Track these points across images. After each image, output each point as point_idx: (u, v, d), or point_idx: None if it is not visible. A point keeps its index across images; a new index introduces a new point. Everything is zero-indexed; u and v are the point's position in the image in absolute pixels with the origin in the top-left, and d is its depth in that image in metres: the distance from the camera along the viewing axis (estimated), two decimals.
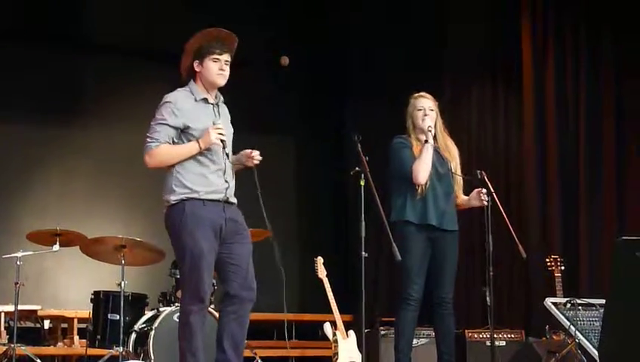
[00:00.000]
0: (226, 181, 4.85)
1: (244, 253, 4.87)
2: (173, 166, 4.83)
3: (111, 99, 9.08)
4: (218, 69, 4.86)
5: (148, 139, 4.82)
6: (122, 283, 6.56)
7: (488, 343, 6.34)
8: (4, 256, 6.86)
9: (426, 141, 5.67)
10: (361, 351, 5.60)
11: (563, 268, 6.73)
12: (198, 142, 4.76)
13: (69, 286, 8.56)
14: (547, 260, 6.81)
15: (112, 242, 6.65)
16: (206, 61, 4.85)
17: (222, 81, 4.90)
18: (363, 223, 5.16)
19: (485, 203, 5.68)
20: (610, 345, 3.77)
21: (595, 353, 5.55)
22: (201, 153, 4.79)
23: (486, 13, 8.44)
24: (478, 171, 5.81)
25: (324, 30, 9.62)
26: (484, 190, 5.71)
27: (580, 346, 5.68)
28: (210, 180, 4.80)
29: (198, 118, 4.84)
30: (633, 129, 7.40)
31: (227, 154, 4.90)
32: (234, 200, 4.92)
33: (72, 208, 8.71)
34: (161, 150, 4.79)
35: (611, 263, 3.84)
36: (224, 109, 5.03)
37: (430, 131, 5.67)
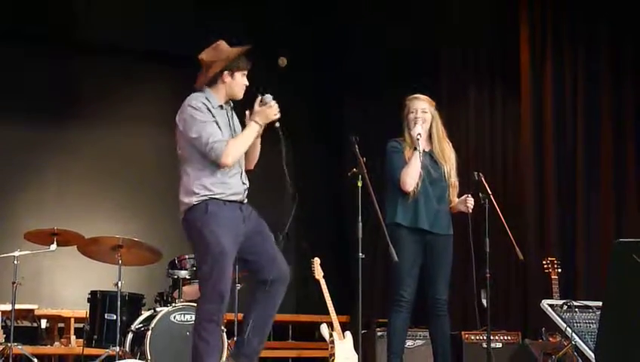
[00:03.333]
0: (244, 183, 4.92)
1: (269, 241, 4.95)
2: (191, 168, 4.85)
3: (108, 100, 9.09)
4: (243, 83, 4.98)
5: (210, 144, 4.76)
6: (119, 283, 6.56)
7: (485, 345, 6.35)
8: (1, 256, 6.85)
9: (415, 148, 5.66)
10: (357, 352, 5.60)
11: (560, 270, 6.73)
12: (256, 122, 4.86)
13: (66, 285, 8.57)
14: (544, 262, 6.81)
15: (109, 242, 6.65)
16: (236, 74, 4.95)
17: (242, 95, 5.01)
18: (360, 224, 5.16)
19: (470, 210, 5.71)
20: (606, 347, 3.77)
21: (591, 355, 5.55)
22: None
23: (485, 16, 8.45)
24: (476, 173, 5.82)
25: (323, 31, 9.63)
26: (471, 199, 5.73)
27: (577, 348, 5.68)
28: (230, 183, 4.85)
29: (218, 122, 4.90)
30: (631, 132, 7.42)
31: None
32: (246, 199, 4.99)
33: (69, 208, 8.72)
34: (231, 146, 4.81)
35: (608, 265, 3.84)
36: (235, 117, 5.09)
37: (418, 139, 5.66)
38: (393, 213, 5.68)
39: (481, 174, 5.79)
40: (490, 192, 5.75)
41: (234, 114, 5.06)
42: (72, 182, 8.97)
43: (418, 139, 5.66)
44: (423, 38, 8.83)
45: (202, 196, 4.80)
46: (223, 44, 5.00)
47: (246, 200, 4.97)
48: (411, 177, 5.63)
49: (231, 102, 5.05)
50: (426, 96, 5.84)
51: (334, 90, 9.75)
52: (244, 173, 4.96)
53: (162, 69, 9.36)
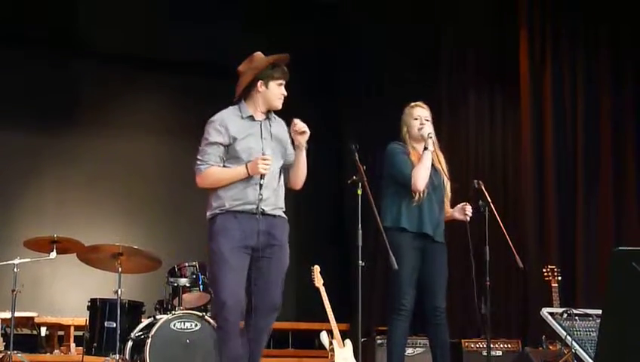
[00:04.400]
0: (261, 193, 4.84)
1: (272, 268, 4.88)
2: None
3: (108, 107, 9.10)
4: (280, 93, 4.96)
5: (198, 162, 4.89)
6: (119, 290, 6.56)
7: (485, 353, 6.34)
8: (0, 263, 6.85)
9: (426, 148, 5.66)
10: (357, 360, 5.60)
11: (560, 278, 6.72)
12: (246, 167, 4.82)
13: (66, 293, 8.56)
14: (544, 270, 6.81)
15: (109, 250, 6.65)
16: (271, 84, 4.93)
17: (280, 105, 4.99)
18: (360, 232, 5.15)
19: (468, 218, 5.70)
20: (606, 355, 3.77)
21: None
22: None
23: (484, 20, 8.46)
24: (476, 181, 5.80)
25: (322, 35, 9.63)
26: (469, 207, 5.73)
27: (577, 356, 5.67)
28: (244, 192, 4.84)
29: (243, 135, 4.89)
30: (631, 135, 7.42)
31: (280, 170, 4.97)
32: (275, 212, 4.92)
33: (69, 216, 8.72)
34: (211, 173, 4.85)
35: (608, 273, 3.84)
36: (276, 125, 5.04)
37: (431, 138, 5.67)
38: (397, 216, 5.64)
39: (480, 182, 5.78)
40: (489, 200, 5.74)
41: (273, 125, 5.00)
42: (71, 190, 8.97)
43: (430, 138, 5.66)
44: (422, 43, 8.84)
45: (214, 209, 4.85)
46: (258, 54, 5.00)
47: (273, 213, 4.90)
48: (424, 176, 5.60)
49: (273, 113, 5.01)
50: (426, 105, 5.85)
51: (333, 93, 9.75)
52: (268, 186, 4.88)
53: (162, 76, 9.37)
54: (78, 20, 9.06)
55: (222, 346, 4.80)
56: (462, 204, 5.76)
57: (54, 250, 6.66)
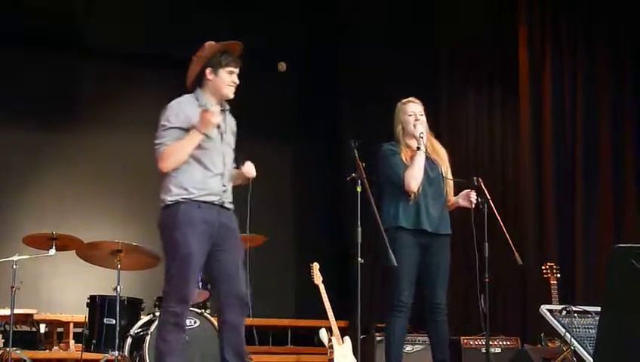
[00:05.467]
0: (224, 185, 4.87)
1: (233, 260, 4.86)
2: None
3: (107, 104, 9.09)
4: (231, 81, 4.92)
5: (156, 146, 4.86)
6: (118, 287, 6.56)
7: (484, 350, 6.34)
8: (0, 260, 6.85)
9: (418, 148, 5.65)
10: (356, 357, 5.60)
11: (559, 275, 6.73)
12: (196, 128, 4.76)
13: (65, 290, 8.56)
14: (543, 267, 6.81)
15: (108, 246, 6.65)
16: (220, 71, 4.90)
17: (231, 94, 4.95)
18: (359, 229, 5.16)
19: (474, 204, 5.69)
20: (605, 352, 3.77)
21: (590, 360, 5.54)
22: (202, 155, 4.80)
23: (483, 17, 8.46)
24: (475, 178, 5.80)
25: (321, 34, 9.63)
26: (474, 192, 5.72)
27: (576, 353, 5.67)
28: (208, 183, 4.82)
29: None
30: (630, 133, 7.43)
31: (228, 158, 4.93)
32: (230, 205, 4.93)
33: (68, 212, 8.71)
34: (169, 149, 4.80)
35: (607, 270, 3.84)
36: (229, 118, 5.04)
37: (422, 138, 5.66)
38: (394, 216, 5.65)
39: (480, 179, 5.78)
40: (489, 197, 5.74)
41: (228, 115, 5.00)
42: (71, 186, 8.97)
43: (422, 138, 5.65)
44: (420, 42, 8.83)
45: (176, 195, 4.78)
46: (208, 43, 4.96)
47: (229, 206, 4.91)
48: (416, 177, 5.60)
49: (225, 103, 4.99)
50: (419, 100, 5.85)
51: (333, 92, 9.74)
52: (226, 176, 4.90)
53: (162, 72, 9.35)
54: (78, 17, 9.05)
55: (171, 339, 4.74)
56: (466, 191, 5.76)
57: (53, 247, 6.66)
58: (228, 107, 5.02)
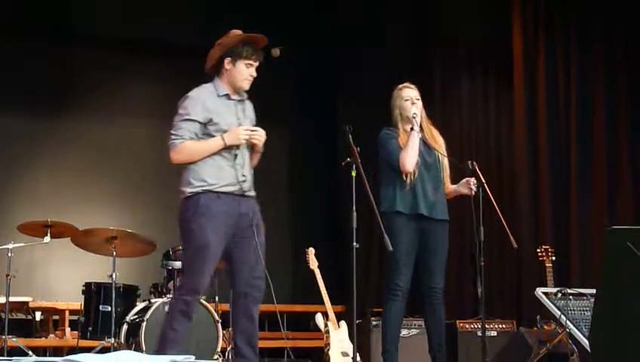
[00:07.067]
0: (243, 174, 4.86)
1: (254, 250, 4.86)
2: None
3: (102, 92, 9.07)
4: (248, 74, 4.89)
5: (172, 136, 4.83)
6: (113, 274, 6.56)
7: (479, 333, 6.35)
8: None
9: (412, 128, 5.67)
10: (352, 342, 5.61)
11: (554, 258, 6.73)
12: (222, 138, 4.77)
13: (60, 277, 8.55)
14: (538, 250, 6.82)
15: (103, 233, 6.65)
16: (238, 63, 4.87)
17: (247, 86, 4.94)
18: (354, 214, 5.15)
19: (474, 192, 5.69)
20: (600, 334, 3.78)
21: (585, 342, 5.56)
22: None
23: (477, 8, 8.44)
24: (470, 162, 5.81)
25: (317, 29, 9.60)
26: (474, 180, 5.72)
27: (571, 336, 5.69)
28: (227, 173, 4.81)
29: (221, 113, 4.86)
30: (624, 120, 7.43)
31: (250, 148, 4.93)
32: (251, 193, 4.93)
33: (62, 200, 8.70)
34: (186, 146, 4.80)
35: (602, 253, 3.84)
36: (248, 108, 5.03)
37: (415, 118, 5.67)
38: (392, 200, 5.66)
39: (475, 163, 5.78)
40: (484, 181, 5.74)
41: (247, 105, 5.00)
42: (65, 174, 8.94)
43: (414, 118, 5.66)
44: (417, 33, 8.82)
45: (196, 187, 4.78)
46: (233, 31, 4.94)
47: (250, 194, 4.91)
48: (411, 157, 5.61)
49: (244, 93, 4.99)
50: (414, 85, 5.86)
51: (329, 78, 9.73)
52: (246, 166, 4.90)
53: (156, 61, 9.34)
54: (72, 5, 9.01)
55: (179, 328, 4.76)
56: (466, 178, 5.77)
57: (48, 235, 6.66)
58: (246, 96, 5.01)
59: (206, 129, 4.83)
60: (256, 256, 4.85)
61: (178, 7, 9.07)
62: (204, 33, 9.06)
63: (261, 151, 4.98)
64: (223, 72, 4.91)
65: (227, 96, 4.90)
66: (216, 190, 4.78)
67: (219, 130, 4.80)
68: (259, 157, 5.03)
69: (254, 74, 4.91)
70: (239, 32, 4.93)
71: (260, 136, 4.83)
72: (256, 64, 4.92)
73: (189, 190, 4.80)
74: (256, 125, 5.00)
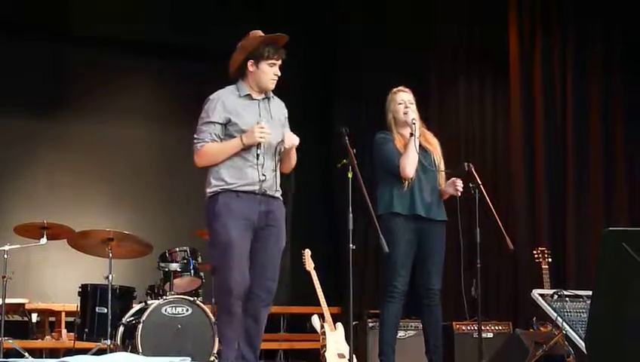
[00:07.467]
0: (263, 175, 4.85)
1: (268, 251, 4.88)
2: None
3: (99, 93, 9.05)
4: (273, 74, 4.91)
5: (195, 141, 4.88)
6: (110, 276, 6.55)
7: (476, 335, 6.35)
8: None
9: (412, 134, 5.67)
10: (349, 343, 5.60)
11: (550, 259, 6.74)
12: (241, 138, 4.80)
13: (57, 279, 8.54)
14: (534, 252, 6.83)
15: (99, 235, 6.64)
16: (262, 63, 4.88)
17: (272, 86, 4.96)
18: (351, 215, 5.15)
19: (459, 193, 5.71)
20: (596, 335, 3.78)
21: (582, 344, 5.56)
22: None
23: (473, 4, 8.45)
24: (466, 163, 5.82)
25: (314, 32, 9.60)
26: (459, 180, 5.74)
27: (567, 337, 5.69)
28: (246, 173, 4.82)
29: (241, 113, 4.87)
30: (620, 118, 7.43)
31: (278, 151, 4.94)
32: (274, 193, 4.93)
33: (59, 201, 8.69)
34: (207, 149, 4.83)
35: (598, 254, 3.85)
36: (275, 105, 5.04)
37: (414, 124, 5.68)
38: (389, 202, 5.67)
39: (471, 165, 5.80)
40: (480, 182, 5.75)
41: (272, 105, 5.00)
42: (62, 175, 8.93)
43: (414, 124, 5.67)
44: (416, 34, 8.83)
45: (215, 187, 4.82)
46: (254, 32, 4.95)
47: (272, 194, 4.91)
48: (411, 163, 5.64)
49: (271, 93, 5.00)
50: (408, 89, 5.87)
51: (326, 79, 9.73)
52: (267, 166, 4.88)
53: (154, 62, 9.34)
54: (72, 6, 9.01)
55: (223, 329, 4.82)
56: (452, 179, 5.79)
57: (45, 236, 6.65)
58: (272, 95, 5.02)
59: (227, 130, 4.86)
60: (270, 257, 4.87)
61: (178, 8, 9.06)
62: (204, 34, 9.17)
63: (291, 148, 5.00)
64: (247, 73, 4.93)
65: (249, 96, 4.91)
66: (234, 189, 4.80)
67: (238, 131, 4.83)
68: (294, 156, 5.06)
69: (278, 73, 4.94)
70: (259, 32, 4.95)
71: (264, 133, 4.79)
72: (279, 62, 4.94)
73: (209, 190, 4.85)
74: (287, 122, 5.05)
